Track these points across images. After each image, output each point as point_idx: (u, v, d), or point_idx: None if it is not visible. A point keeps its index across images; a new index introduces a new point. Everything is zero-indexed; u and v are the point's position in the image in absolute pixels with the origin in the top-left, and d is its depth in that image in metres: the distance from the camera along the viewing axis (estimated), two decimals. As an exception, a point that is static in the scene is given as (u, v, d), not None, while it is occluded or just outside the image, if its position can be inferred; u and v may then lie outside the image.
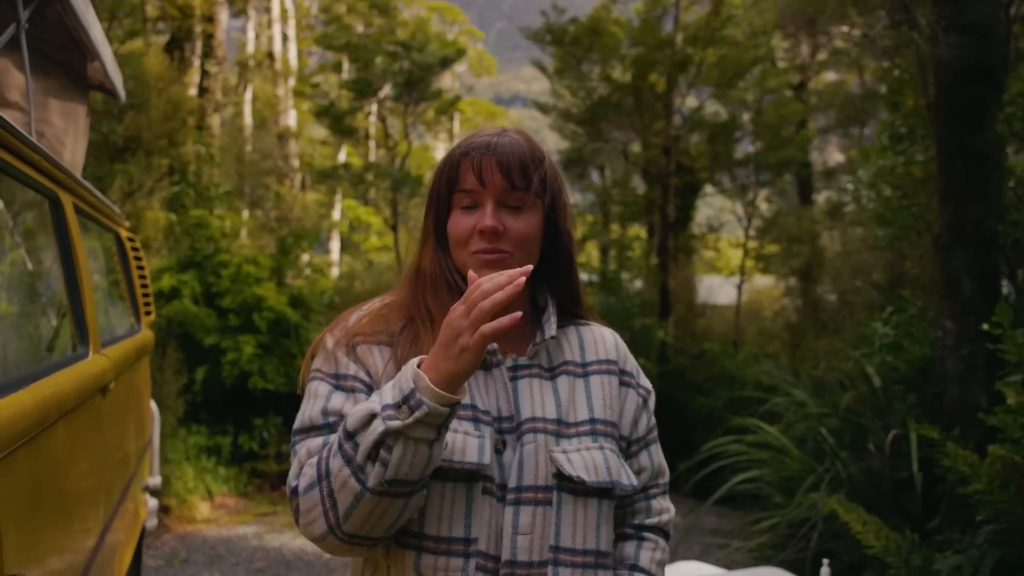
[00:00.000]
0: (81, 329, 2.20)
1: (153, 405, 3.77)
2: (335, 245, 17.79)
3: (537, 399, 1.24)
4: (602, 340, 1.36)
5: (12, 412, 1.38)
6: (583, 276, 9.58)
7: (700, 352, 9.86)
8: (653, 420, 1.39)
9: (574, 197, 15.75)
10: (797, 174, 12.24)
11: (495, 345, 1.24)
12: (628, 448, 1.33)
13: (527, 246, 1.23)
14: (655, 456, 1.37)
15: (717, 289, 12.90)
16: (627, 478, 1.24)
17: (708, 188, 12.00)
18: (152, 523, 3.55)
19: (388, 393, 1.05)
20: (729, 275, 15.11)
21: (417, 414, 1.02)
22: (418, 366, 1.06)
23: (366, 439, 1.04)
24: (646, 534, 1.34)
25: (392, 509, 1.07)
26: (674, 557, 5.56)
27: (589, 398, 1.27)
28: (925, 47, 4.75)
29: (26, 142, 1.76)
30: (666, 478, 1.40)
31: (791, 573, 2.85)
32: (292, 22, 17.04)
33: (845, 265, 9.49)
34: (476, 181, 1.21)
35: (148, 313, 3.72)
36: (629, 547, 1.33)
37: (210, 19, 10.92)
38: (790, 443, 5.31)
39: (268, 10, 16.49)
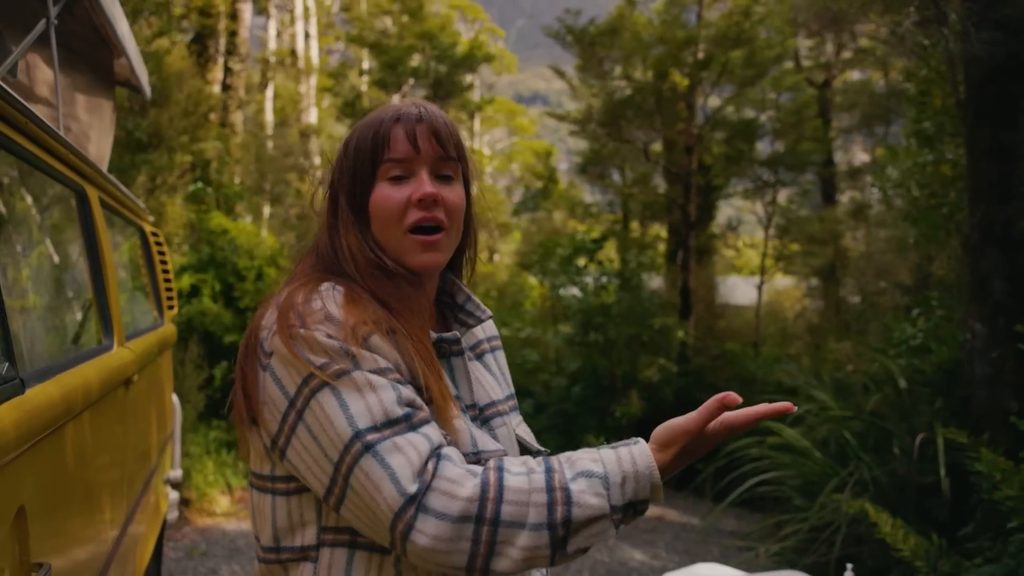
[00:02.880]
0: (106, 322, 2.21)
1: (175, 399, 3.79)
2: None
3: (485, 381, 1.22)
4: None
5: (39, 403, 1.38)
6: (603, 278, 9.55)
7: (720, 352, 9.78)
8: None
9: (594, 196, 15.68)
10: (820, 174, 12.10)
11: (457, 333, 1.17)
12: None
13: (458, 218, 1.15)
14: None
15: (737, 289, 12.79)
16: None
17: (729, 188, 11.88)
18: (173, 516, 3.56)
19: (617, 487, 0.98)
20: (749, 275, 15.00)
21: (637, 516, 1.02)
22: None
23: (589, 537, 0.98)
24: None
25: None
26: (693, 559, 5.52)
27: (503, 373, 1.30)
28: (955, 44, 4.68)
29: (55, 136, 1.77)
30: None
31: (814, 577, 2.81)
32: (314, 20, 17.10)
33: (869, 266, 9.38)
34: (411, 148, 1.11)
35: (171, 307, 3.74)
36: None
37: (234, 16, 10.97)
38: (811, 446, 5.25)
39: (291, 9, 16.58)
